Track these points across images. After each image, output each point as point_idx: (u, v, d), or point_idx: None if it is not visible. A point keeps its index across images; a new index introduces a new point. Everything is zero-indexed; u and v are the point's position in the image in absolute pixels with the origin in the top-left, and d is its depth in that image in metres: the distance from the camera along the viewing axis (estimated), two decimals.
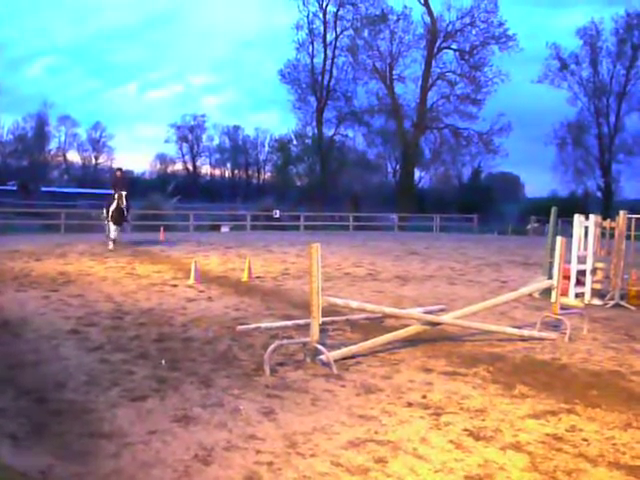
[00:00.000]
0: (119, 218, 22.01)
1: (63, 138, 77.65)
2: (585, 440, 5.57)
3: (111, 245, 22.03)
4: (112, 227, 22.05)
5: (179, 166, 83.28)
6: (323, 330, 8.64)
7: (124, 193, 21.68)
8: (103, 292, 13.03)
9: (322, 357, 7.65)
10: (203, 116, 79.75)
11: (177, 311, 11.09)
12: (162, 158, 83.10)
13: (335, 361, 7.62)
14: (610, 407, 6.50)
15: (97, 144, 79.77)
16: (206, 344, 8.69)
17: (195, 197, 63.41)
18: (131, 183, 28.27)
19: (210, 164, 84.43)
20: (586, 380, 7.50)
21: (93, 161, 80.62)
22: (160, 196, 45.94)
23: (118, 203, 21.73)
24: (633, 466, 5.03)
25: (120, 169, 24.29)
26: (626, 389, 7.22)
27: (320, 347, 7.65)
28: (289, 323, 9.95)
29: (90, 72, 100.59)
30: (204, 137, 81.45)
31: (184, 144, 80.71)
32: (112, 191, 22.38)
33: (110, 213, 21.91)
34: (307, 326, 8.01)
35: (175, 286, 14.10)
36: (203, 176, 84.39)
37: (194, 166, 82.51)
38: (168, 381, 6.92)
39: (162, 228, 29.56)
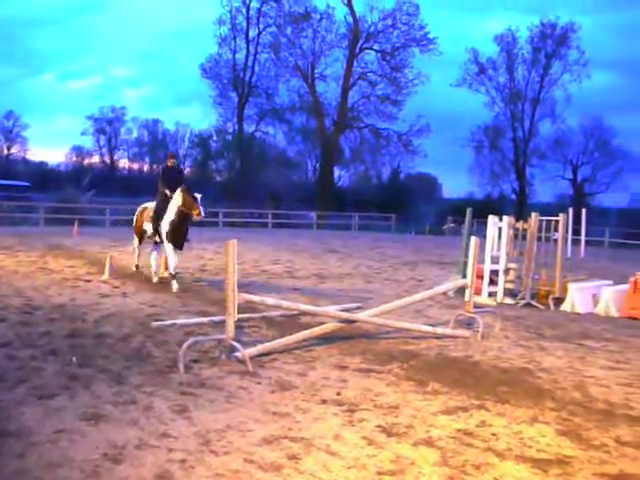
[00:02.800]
0: (181, 236, 13.59)
1: None
2: (494, 435, 5.72)
3: (155, 279, 14.20)
4: (168, 249, 13.59)
5: (96, 159, 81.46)
6: (239, 327, 8.59)
7: (198, 196, 13.21)
8: (13, 286, 12.64)
9: (237, 354, 7.62)
10: (122, 109, 78.14)
11: (90, 307, 10.85)
12: (78, 150, 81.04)
13: (250, 358, 7.59)
14: (518, 402, 6.69)
15: (9, 134, 77.15)
16: (119, 341, 8.53)
17: (112, 191, 62.06)
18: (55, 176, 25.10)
19: (128, 158, 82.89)
20: (497, 377, 7.70)
21: (5, 151, 77.93)
22: (75, 189, 44.75)
23: (181, 211, 13.24)
24: (538, 459, 5.20)
25: (173, 155, 16.35)
26: (534, 385, 7.45)
27: (235, 344, 7.61)
28: (205, 320, 9.87)
29: (5, 59, 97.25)
30: (122, 130, 79.86)
31: (101, 137, 78.98)
32: (164, 190, 13.84)
33: (164, 227, 13.60)
34: (223, 323, 7.97)
35: (89, 281, 13.80)
36: (121, 170, 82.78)
37: (112, 159, 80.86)
38: (79, 378, 6.76)
39: (76, 222, 28.78)
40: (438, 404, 6.54)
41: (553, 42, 57.69)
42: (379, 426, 5.79)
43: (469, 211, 15.50)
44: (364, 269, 18.95)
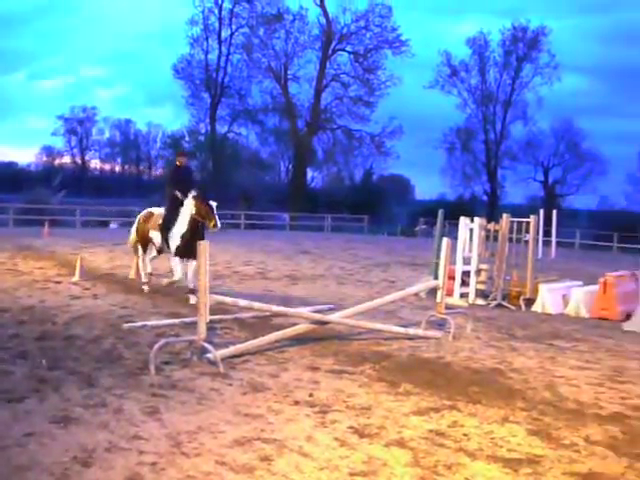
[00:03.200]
0: (191, 247, 10.54)
1: None
2: (465, 435, 5.75)
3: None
4: (175, 262, 12.14)
5: (67, 159, 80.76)
6: (211, 328, 8.55)
7: (214, 204, 11.88)
8: None
9: (209, 355, 7.58)
10: (94, 109, 77.61)
11: (60, 309, 10.74)
12: (49, 151, 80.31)
13: (222, 359, 7.56)
14: (490, 403, 6.74)
15: None
16: (90, 343, 8.46)
17: (83, 192, 61.61)
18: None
19: (100, 158, 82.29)
20: (468, 377, 7.74)
21: None
22: (45, 190, 44.30)
23: (194, 220, 11.79)
24: (509, 459, 5.24)
25: (183, 152, 14.77)
26: (505, 385, 7.50)
27: (207, 345, 7.58)
28: (176, 321, 9.82)
29: None
30: (94, 130, 79.28)
31: (73, 137, 78.29)
32: (174, 192, 12.21)
33: (174, 240, 12.06)
34: (195, 324, 7.92)
35: (59, 283, 13.65)
36: (92, 170, 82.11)
37: (83, 160, 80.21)
38: (48, 381, 6.69)
39: (47, 223, 28.45)
40: (410, 405, 6.56)
41: (524, 45, 58.42)
42: (351, 427, 5.80)
43: (441, 212, 15.57)
44: (336, 270, 18.96)
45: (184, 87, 57.13)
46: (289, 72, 56.66)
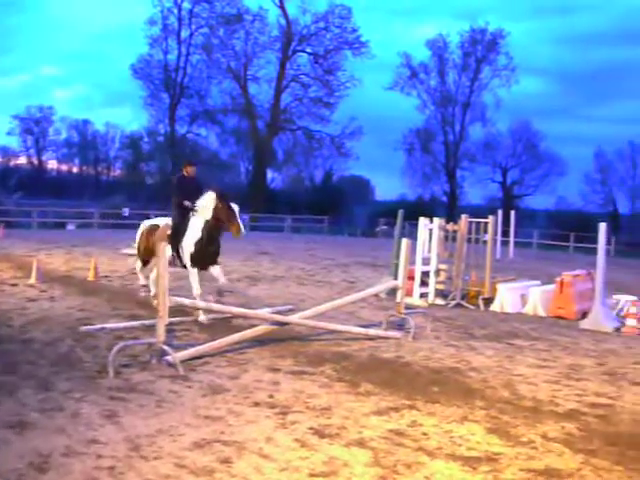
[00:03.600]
0: (211, 256, 10.91)
1: None
2: (425, 434, 5.79)
3: (203, 317, 10.46)
4: (193, 275, 10.86)
5: (23, 160, 79.31)
6: (170, 330, 8.50)
7: (236, 208, 10.71)
8: None
9: (168, 358, 7.52)
10: (50, 108, 76.29)
11: (16, 311, 10.56)
12: (4, 151, 78.77)
13: (182, 362, 7.51)
14: (449, 402, 6.79)
15: None
16: (47, 346, 8.33)
17: (40, 193, 60.58)
18: None
19: (57, 159, 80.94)
20: (428, 377, 7.79)
21: None
22: (0, 191, 43.58)
23: (210, 225, 10.72)
24: (468, 457, 5.28)
25: (190, 162, 12.11)
26: (464, 384, 7.57)
27: (166, 348, 7.52)
28: (135, 323, 9.72)
29: None
30: (51, 130, 77.94)
31: (29, 137, 76.95)
32: (182, 201, 11.05)
33: (187, 248, 10.85)
34: (154, 326, 7.86)
35: (15, 285, 13.43)
36: (49, 171, 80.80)
37: (39, 161, 78.87)
38: (3, 385, 6.57)
39: (2, 225, 28.01)
40: (370, 405, 6.58)
41: (483, 48, 59.08)
42: (311, 428, 5.80)
43: (400, 213, 15.66)
44: (297, 271, 18.96)
45: (143, 87, 56.65)
46: (249, 73, 56.53)
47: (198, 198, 10.85)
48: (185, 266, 11.00)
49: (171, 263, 10.48)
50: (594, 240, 13.37)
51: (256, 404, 6.42)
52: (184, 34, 56.00)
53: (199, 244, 10.72)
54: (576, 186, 61.87)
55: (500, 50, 58.27)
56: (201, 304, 8.64)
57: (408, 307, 11.17)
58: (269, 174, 61.17)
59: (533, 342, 10.45)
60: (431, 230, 14.53)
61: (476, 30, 58.57)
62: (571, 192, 63.83)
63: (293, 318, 9.52)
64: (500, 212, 16.54)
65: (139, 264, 12.28)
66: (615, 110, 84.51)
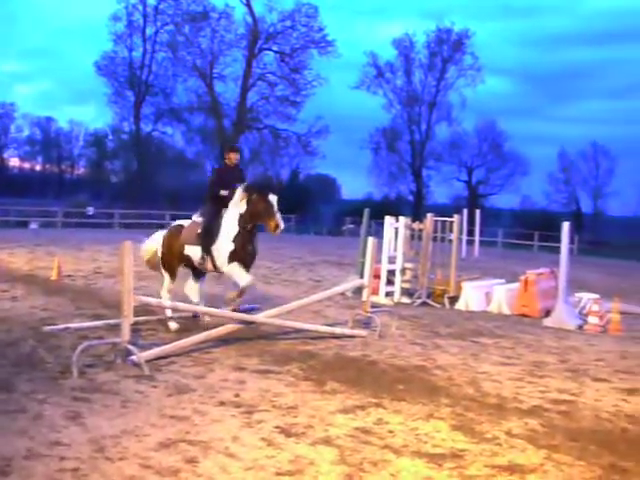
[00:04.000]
0: (251, 254, 9.91)
1: None
2: (391, 432, 5.82)
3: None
4: (234, 267, 9.65)
5: None
6: (135, 330, 8.42)
7: (273, 198, 9.54)
8: None
9: (133, 357, 7.46)
10: (12, 105, 75.19)
11: None
12: None
13: (147, 361, 7.45)
14: (414, 400, 6.83)
15: None
16: (8, 346, 8.19)
17: (1, 191, 59.69)
18: None
19: (19, 156, 79.77)
20: (394, 375, 7.84)
21: None
22: None
23: (246, 219, 9.67)
24: (433, 454, 5.32)
25: (233, 147, 10.94)
26: (429, 382, 7.62)
27: (131, 347, 7.46)
28: (100, 323, 9.62)
29: None
30: (12, 127, 76.81)
31: None
32: (218, 191, 10.10)
33: (224, 247, 9.67)
34: (119, 326, 7.78)
35: None
36: (11, 169, 79.63)
37: (1, 158, 77.70)
38: None
39: None
40: (336, 403, 6.59)
41: (449, 47, 59.45)
42: (278, 427, 5.79)
43: (367, 212, 15.70)
44: (263, 270, 18.89)
45: (107, 85, 56.06)
46: (215, 71, 56.19)
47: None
48: (218, 270, 9.88)
49: (201, 265, 9.93)
50: (558, 239, 13.55)
51: (222, 403, 6.40)
52: (149, 31, 55.59)
53: (239, 241, 9.58)
54: (540, 185, 62.91)
55: (466, 50, 58.81)
56: (167, 303, 8.59)
57: (374, 306, 11.22)
58: None
59: (497, 340, 10.55)
60: (397, 229, 14.60)
61: (442, 30, 59.03)
62: (535, 191, 64.77)
63: (259, 317, 9.51)
64: (465, 211, 16.60)
65: (167, 279, 10.30)
66: (579, 111, 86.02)
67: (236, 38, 56.23)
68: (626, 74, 79.95)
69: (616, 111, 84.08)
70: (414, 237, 14.93)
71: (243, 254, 9.63)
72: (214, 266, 9.88)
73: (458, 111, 59.48)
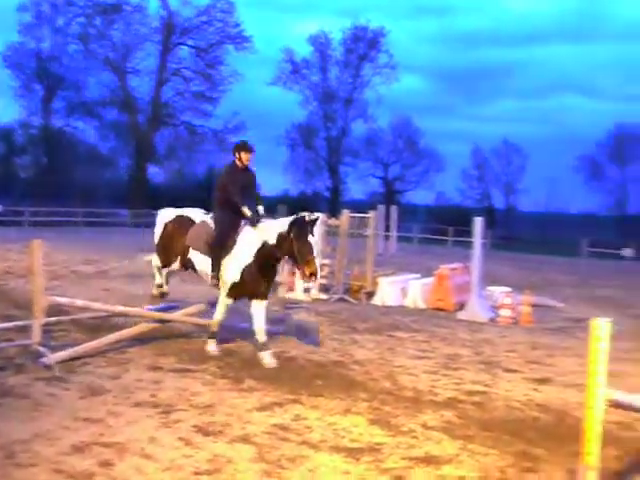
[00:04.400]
0: (257, 286, 8.37)
1: None
2: (308, 428, 5.85)
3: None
4: (223, 300, 8.62)
5: None
6: (47, 331, 8.18)
7: (313, 239, 8.00)
8: None
9: (44, 359, 7.25)
10: None
11: None
12: None
13: (59, 363, 7.27)
14: (332, 395, 6.88)
15: None
16: None
17: None
18: None
19: None
20: (311, 371, 7.87)
21: None
22: None
23: (269, 252, 8.21)
24: (351, 448, 5.37)
25: (246, 145, 8.91)
26: (347, 377, 7.69)
27: (42, 349, 7.26)
28: (9, 325, 9.28)
29: None
30: None
31: None
32: (237, 200, 8.62)
33: (231, 273, 8.36)
34: (29, 327, 7.55)
35: None
36: None
37: None
38: None
39: None
40: (253, 401, 6.58)
41: (365, 45, 59.93)
42: (195, 426, 5.74)
43: (283, 208, 15.71)
44: None
45: (13, 77, 54.18)
46: (128, 65, 55.10)
47: (251, 196, 8.80)
48: (219, 286, 8.63)
49: (209, 280, 8.75)
50: (470, 234, 13.87)
51: (138, 404, 6.30)
52: (60, 22, 54.00)
53: (248, 273, 8.23)
54: (454, 182, 64.23)
55: (381, 48, 59.45)
56: (79, 303, 8.38)
57: (291, 302, 11.23)
58: (150, 169, 59.99)
59: (413, 334, 10.72)
60: None
61: (358, 28, 59.45)
62: (450, 188, 65.92)
63: (175, 315, 9.39)
64: (382, 207, 16.86)
65: (157, 261, 9.93)
66: (492, 109, 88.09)
67: (150, 32, 55.25)
68: (537, 75, 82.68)
69: (527, 110, 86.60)
70: (330, 233, 15.01)
71: (248, 290, 8.37)
72: (218, 284, 8.65)
73: (374, 108, 60.11)
